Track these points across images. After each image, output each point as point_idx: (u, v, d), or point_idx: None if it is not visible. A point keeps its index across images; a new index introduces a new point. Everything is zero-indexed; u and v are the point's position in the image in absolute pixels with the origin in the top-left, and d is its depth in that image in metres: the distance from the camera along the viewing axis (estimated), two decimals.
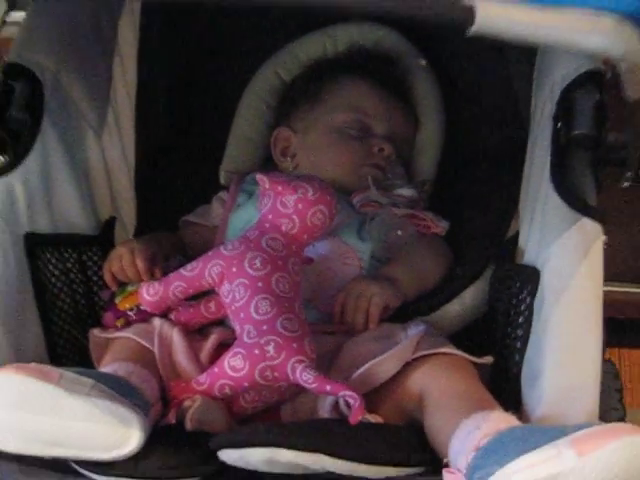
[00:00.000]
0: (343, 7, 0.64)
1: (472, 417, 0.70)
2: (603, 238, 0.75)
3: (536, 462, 0.63)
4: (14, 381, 0.72)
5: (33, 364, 0.75)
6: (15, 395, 0.72)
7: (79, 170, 0.95)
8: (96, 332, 0.90)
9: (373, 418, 0.76)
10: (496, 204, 0.93)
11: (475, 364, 0.81)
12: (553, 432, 0.65)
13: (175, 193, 1.08)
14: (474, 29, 0.47)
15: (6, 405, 0.72)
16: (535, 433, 0.66)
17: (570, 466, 0.62)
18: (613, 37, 0.51)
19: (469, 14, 0.51)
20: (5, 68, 0.90)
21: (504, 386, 0.78)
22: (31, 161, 0.89)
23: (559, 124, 0.79)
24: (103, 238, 0.97)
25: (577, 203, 0.76)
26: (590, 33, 0.51)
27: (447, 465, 0.70)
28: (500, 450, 0.65)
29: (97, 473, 0.73)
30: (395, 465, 0.71)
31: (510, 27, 0.51)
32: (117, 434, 0.71)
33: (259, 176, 0.86)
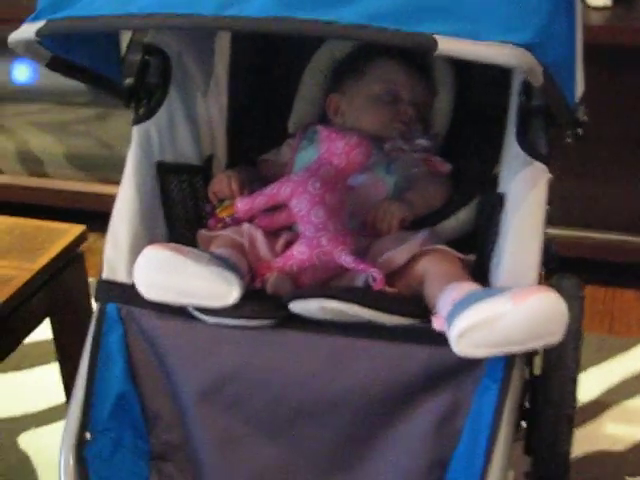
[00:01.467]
0: (333, 36, 0.93)
1: (452, 285, 1.02)
2: (548, 175, 1.07)
3: (486, 307, 0.94)
4: (160, 252, 1.04)
5: (172, 244, 1.08)
6: (160, 261, 1.04)
7: (192, 120, 1.27)
8: (203, 232, 1.21)
9: (390, 289, 1.10)
10: (486, 152, 1.22)
11: (461, 259, 1.13)
12: (500, 291, 0.97)
13: (255, 138, 1.37)
14: (436, 53, 0.78)
15: (154, 268, 1.04)
16: (489, 292, 0.99)
17: (508, 309, 0.94)
18: (514, 58, 0.81)
19: (432, 42, 0.78)
20: (145, 47, 1.21)
21: (480, 272, 1.10)
22: (161, 113, 1.21)
23: (522, 97, 1.08)
24: (206, 168, 1.29)
25: (531, 152, 1.07)
26: (500, 56, 0.81)
27: (434, 314, 1.03)
28: (466, 302, 0.97)
29: (209, 315, 1.05)
30: (402, 315, 1.03)
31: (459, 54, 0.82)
32: (224, 289, 1.02)
33: (320, 127, 1.18)
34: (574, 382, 1.33)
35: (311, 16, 0.81)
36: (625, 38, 2.10)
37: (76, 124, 2.66)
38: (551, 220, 2.09)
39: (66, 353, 1.61)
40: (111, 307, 1.10)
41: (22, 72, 2.64)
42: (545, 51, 0.86)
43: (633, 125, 2.16)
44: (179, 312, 1.07)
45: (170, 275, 1.03)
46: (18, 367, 2.06)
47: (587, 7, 2.20)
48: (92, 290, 1.18)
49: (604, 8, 2.19)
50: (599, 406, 1.89)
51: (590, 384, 1.94)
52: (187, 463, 1.10)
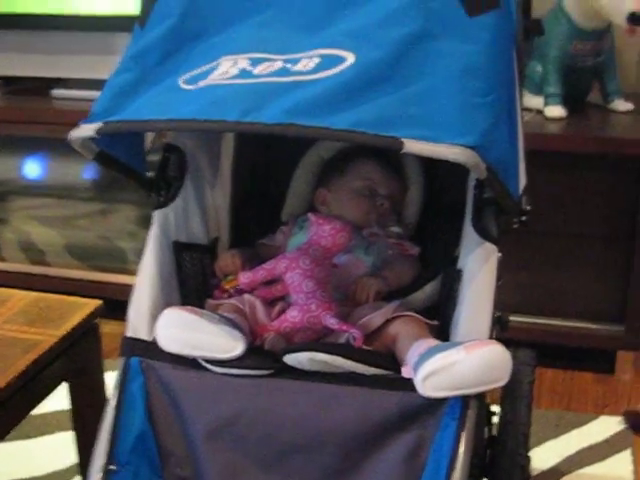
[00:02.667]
0: (327, 138, 1.12)
1: (418, 342, 1.22)
2: (498, 254, 1.26)
3: (444, 356, 1.14)
4: (177, 313, 1.23)
5: (188, 306, 1.27)
6: (178, 320, 1.22)
7: (202, 207, 1.45)
8: (210, 301, 1.39)
9: (367, 347, 1.29)
10: (448, 237, 1.39)
11: (427, 324, 1.31)
12: (457, 344, 1.17)
13: (254, 224, 1.55)
14: (403, 151, 0.99)
15: (172, 325, 1.22)
16: (448, 345, 1.18)
17: (462, 357, 1.13)
18: (462, 156, 1.02)
19: (400, 143, 1.00)
20: (165, 146, 1.42)
21: (442, 335, 1.28)
22: (178, 200, 1.40)
23: (477, 191, 1.27)
24: (213, 247, 1.47)
25: (483, 235, 1.25)
26: (451, 154, 1.01)
27: (404, 365, 1.22)
28: (428, 353, 1.16)
29: (217, 366, 1.22)
30: (377, 366, 1.21)
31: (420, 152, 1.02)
32: (231, 344, 1.21)
33: (310, 214, 1.37)
34: (526, 437, 1.54)
35: (310, 123, 1.04)
36: (578, 145, 2.33)
37: (77, 218, 2.85)
38: (516, 308, 2.34)
39: (80, 416, 1.76)
40: (134, 360, 1.27)
41: (32, 168, 2.87)
42: (488, 151, 1.06)
43: (586, 221, 2.40)
44: (191, 363, 1.24)
45: (186, 331, 1.22)
46: (26, 436, 2.21)
47: (545, 119, 2.47)
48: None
49: (560, 119, 2.45)
50: (556, 474, 2.08)
51: (548, 454, 2.14)
52: None
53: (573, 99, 2.50)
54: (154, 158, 1.44)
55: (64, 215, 2.88)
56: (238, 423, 1.22)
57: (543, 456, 2.14)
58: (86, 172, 2.83)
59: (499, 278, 1.29)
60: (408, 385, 1.18)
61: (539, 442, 2.18)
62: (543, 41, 2.46)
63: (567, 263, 2.45)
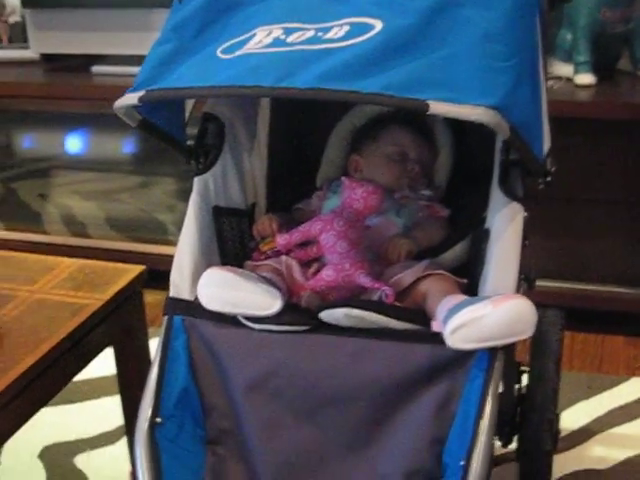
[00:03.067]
0: (356, 101, 1.17)
1: (447, 298, 1.27)
2: (524, 213, 1.31)
3: (472, 310, 1.19)
4: (218, 272, 1.30)
5: (228, 266, 1.34)
6: (219, 279, 1.29)
7: (240, 174, 1.51)
8: (249, 263, 1.44)
9: (400, 304, 1.36)
10: (477, 199, 1.43)
11: (456, 281, 1.37)
12: (483, 299, 1.22)
13: (290, 190, 1.61)
14: (428, 113, 1.04)
15: (213, 284, 1.29)
16: (475, 299, 1.23)
17: (489, 310, 1.18)
18: (484, 116, 1.07)
19: (426, 106, 1.05)
20: (204, 115, 1.48)
21: (472, 292, 1.33)
22: (217, 167, 1.45)
23: (503, 153, 1.33)
24: (250, 212, 1.53)
25: (510, 195, 1.30)
26: (474, 115, 1.07)
27: (434, 320, 1.28)
28: (456, 308, 1.21)
29: (256, 323, 1.29)
30: (408, 321, 1.27)
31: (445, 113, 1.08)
32: (269, 301, 1.26)
33: (344, 178, 1.42)
34: (555, 392, 1.59)
35: (341, 87, 1.10)
36: (606, 111, 2.36)
37: (118, 192, 2.93)
38: (547, 274, 2.38)
39: (125, 380, 1.83)
40: (177, 319, 1.34)
41: (74, 144, 2.95)
42: (510, 112, 1.12)
43: (616, 188, 2.44)
44: (232, 321, 1.31)
45: (226, 290, 1.29)
46: (70, 401, 2.30)
47: (575, 86, 2.50)
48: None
49: (589, 86, 2.48)
50: (587, 433, 2.12)
51: (579, 415, 2.19)
52: (237, 446, 1.30)
53: (603, 66, 2.53)
54: (193, 130, 1.49)
55: (105, 189, 2.96)
56: (276, 377, 1.28)
57: (574, 417, 2.19)
58: (126, 146, 2.90)
59: (526, 238, 1.34)
60: (438, 338, 1.23)
61: (570, 403, 2.24)
62: (572, 9, 2.48)
63: (598, 229, 2.49)
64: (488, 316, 1.20)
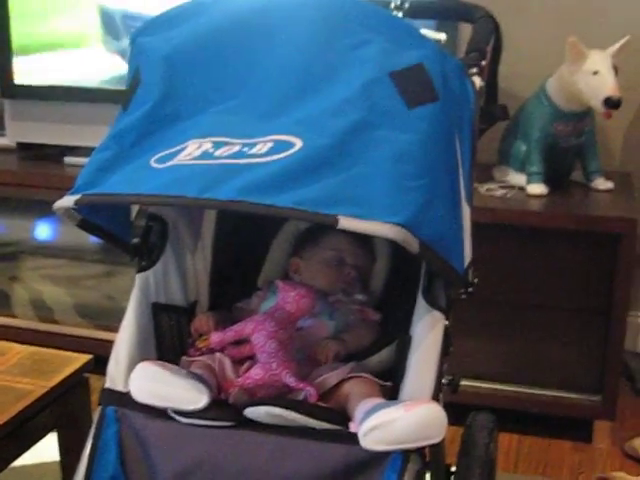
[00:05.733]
0: (271, 214, 1.16)
1: (365, 400, 1.33)
2: (445, 322, 1.38)
3: (385, 413, 1.25)
4: (148, 367, 1.36)
5: (159, 361, 1.39)
6: (149, 373, 1.35)
7: (181, 272, 1.56)
8: (184, 358, 1.49)
9: (322, 404, 1.41)
10: (407, 305, 1.46)
11: (379, 385, 1.42)
12: (397, 403, 1.29)
13: (232, 289, 1.66)
14: (338, 227, 1.11)
15: (144, 377, 1.34)
16: (390, 403, 1.29)
17: (400, 414, 1.24)
18: (392, 233, 1.15)
19: (335, 220, 1.12)
20: (149, 215, 1.53)
21: (394, 395, 1.38)
22: (158, 265, 1.52)
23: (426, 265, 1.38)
24: (191, 310, 1.59)
25: (432, 304, 1.37)
26: (381, 231, 1.15)
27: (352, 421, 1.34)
28: (372, 410, 1.27)
29: (184, 416, 1.33)
30: (327, 421, 1.32)
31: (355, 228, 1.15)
32: (195, 396, 1.32)
33: (277, 280, 1.50)
34: None
35: (259, 200, 1.18)
36: (555, 222, 2.46)
37: (85, 279, 3.00)
38: (497, 377, 2.46)
39: (68, 466, 1.86)
40: (109, 410, 1.39)
41: (43, 230, 3.02)
42: (419, 228, 1.19)
43: (565, 295, 2.52)
44: (161, 414, 1.36)
45: (156, 384, 1.35)
46: None
47: (527, 195, 2.60)
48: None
49: (541, 196, 2.58)
50: None
51: None
52: None
53: (556, 177, 2.64)
54: (140, 223, 1.56)
55: (73, 275, 3.03)
56: (201, 470, 1.33)
57: None
58: (94, 236, 2.96)
59: (449, 345, 1.42)
60: (355, 439, 1.29)
61: None
62: (527, 121, 2.60)
63: (547, 335, 2.56)
64: (399, 420, 1.26)
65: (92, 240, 2.97)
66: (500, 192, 2.59)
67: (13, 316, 3.10)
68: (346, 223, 1.16)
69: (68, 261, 3.05)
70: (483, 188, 2.60)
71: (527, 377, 2.61)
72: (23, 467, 2.31)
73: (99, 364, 1.82)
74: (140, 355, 1.46)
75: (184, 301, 1.59)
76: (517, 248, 2.52)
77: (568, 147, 2.62)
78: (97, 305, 3.01)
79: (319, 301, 1.53)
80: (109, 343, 1.49)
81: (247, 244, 1.75)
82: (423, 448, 1.32)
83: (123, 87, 1.50)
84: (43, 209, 3.00)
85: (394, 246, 1.65)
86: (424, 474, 1.39)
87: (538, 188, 2.57)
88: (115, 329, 1.51)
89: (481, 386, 2.60)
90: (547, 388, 2.60)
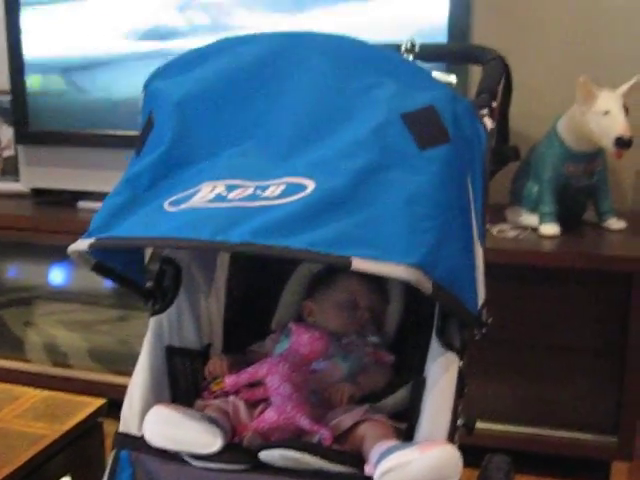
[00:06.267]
0: (285, 257, 1.21)
1: (380, 442, 1.32)
2: (459, 363, 1.38)
3: (400, 455, 1.25)
4: (162, 410, 1.36)
5: (173, 404, 1.41)
6: (162, 416, 1.35)
7: (195, 316, 1.57)
8: (199, 401, 1.50)
9: (337, 447, 1.42)
10: (421, 347, 1.47)
11: (394, 427, 1.41)
12: (413, 444, 1.29)
13: (246, 332, 1.67)
14: (351, 269, 1.11)
15: (157, 421, 1.35)
16: (406, 445, 1.29)
17: (416, 456, 1.24)
18: (405, 274, 1.15)
19: (348, 262, 1.12)
20: (162, 259, 1.56)
21: (409, 437, 1.38)
22: (172, 309, 1.52)
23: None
24: (205, 353, 1.60)
25: (446, 345, 1.37)
26: (395, 272, 1.16)
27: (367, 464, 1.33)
28: (387, 452, 1.26)
29: (197, 460, 1.33)
30: (342, 463, 1.32)
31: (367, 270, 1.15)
32: (209, 440, 1.32)
33: (291, 323, 1.49)
34: None
35: (272, 243, 1.18)
36: (568, 262, 2.44)
37: (99, 323, 3.00)
38: (512, 418, 2.44)
39: None
40: (124, 453, 1.39)
41: (57, 275, 3.03)
42: (433, 269, 1.19)
43: (579, 335, 2.50)
44: (175, 457, 1.36)
45: (169, 427, 1.35)
46: None
47: (539, 236, 2.60)
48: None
49: (554, 236, 2.57)
50: None
51: None
52: None
53: (569, 217, 2.63)
54: (154, 267, 1.57)
55: (87, 320, 3.03)
56: None
57: None
58: (108, 280, 2.97)
59: (463, 386, 1.41)
60: None
61: None
62: (539, 162, 2.60)
63: (562, 375, 2.54)
64: (415, 461, 1.25)
65: (106, 285, 2.99)
66: (512, 233, 2.59)
67: (27, 361, 3.10)
68: (359, 265, 1.16)
69: (82, 306, 3.05)
70: (495, 229, 2.60)
71: (542, 418, 2.59)
72: None
73: (113, 408, 1.83)
74: (154, 398, 1.46)
75: (198, 344, 1.60)
76: (530, 289, 2.52)
77: (580, 187, 2.62)
78: (111, 349, 3.01)
79: (333, 343, 1.53)
80: (123, 387, 1.49)
81: (260, 287, 1.75)
82: None
83: (136, 132, 1.51)
84: (57, 254, 3.01)
85: (407, 287, 1.67)
86: None
87: (551, 228, 2.56)
88: (129, 373, 1.51)
89: (496, 428, 2.58)
90: (563, 429, 2.57)
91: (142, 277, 1.53)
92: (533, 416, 2.59)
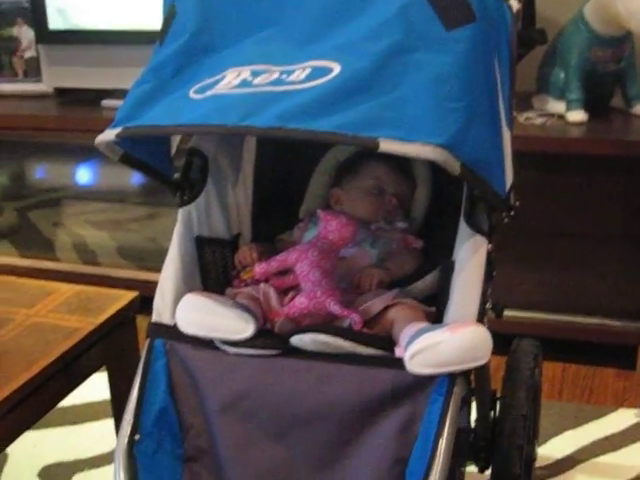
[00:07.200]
0: (312, 140, 1.19)
1: (410, 325, 1.35)
2: (488, 245, 1.38)
3: (430, 336, 1.26)
4: (195, 298, 1.38)
5: (205, 292, 1.43)
6: (195, 304, 1.37)
7: (223, 206, 1.58)
8: (229, 290, 1.52)
9: (369, 331, 1.41)
10: (450, 231, 1.46)
11: (423, 310, 1.44)
12: (442, 326, 1.30)
13: (274, 222, 1.68)
14: (379, 151, 1.11)
15: (190, 309, 1.37)
16: (435, 327, 1.30)
17: (446, 337, 1.25)
18: (432, 154, 1.12)
19: (376, 143, 1.12)
20: (189, 150, 1.55)
21: (438, 321, 1.39)
22: (200, 199, 1.53)
23: (468, 188, 1.38)
24: (234, 243, 1.61)
25: (474, 228, 1.37)
26: (423, 153, 1.13)
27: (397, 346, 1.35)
28: (417, 334, 1.28)
29: (231, 347, 1.36)
30: (373, 346, 1.33)
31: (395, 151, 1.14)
32: (242, 326, 1.34)
33: (319, 210, 1.49)
34: (525, 418, 1.64)
35: (298, 126, 1.18)
36: (595, 148, 2.43)
37: (128, 222, 3.03)
38: (542, 306, 2.45)
39: (118, 402, 1.90)
40: (158, 342, 1.41)
41: (85, 175, 3.04)
42: (461, 149, 1.18)
43: (607, 221, 2.50)
44: (209, 344, 1.38)
45: (203, 314, 1.36)
46: (73, 422, 2.39)
47: (566, 123, 2.57)
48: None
49: (581, 123, 2.55)
50: (571, 462, 2.17)
51: (566, 444, 2.24)
52: (212, 464, 1.36)
53: (596, 104, 2.60)
54: (179, 163, 1.57)
55: (115, 219, 3.05)
56: (249, 398, 1.35)
57: (560, 445, 2.25)
58: (135, 178, 2.99)
59: (492, 270, 1.42)
60: (401, 364, 1.30)
61: (558, 432, 2.29)
62: (565, 48, 2.56)
63: (589, 262, 2.55)
64: (445, 342, 1.27)
65: (134, 183, 3.00)
66: (539, 120, 2.56)
67: (57, 260, 3.13)
68: (387, 146, 1.15)
69: (110, 205, 3.08)
70: (522, 117, 2.58)
71: (571, 305, 2.61)
72: (73, 407, 2.38)
73: (143, 305, 1.85)
74: (185, 287, 1.47)
75: (227, 234, 1.61)
76: (557, 176, 2.50)
77: (607, 73, 2.58)
78: (140, 247, 3.04)
79: (361, 230, 1.54)
80: (153, 284, 1.50)
81: (287, 176, 1.76)
82: (469, 374, 1.34)
83: (158, 28, 1.49)
84: (83, 153, 3.03)
85: (435, 171, 1.69)
86: (470, 400, 1.40)
87: (578, 115, 2.53)
88: (158, 270, 1.52)
89: (524, 316, 2.60)
90: (591, 316, 2.59)
91: (169, 167, 1.52)
92: (561, 303, 2.61)
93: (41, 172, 3.16)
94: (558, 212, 2.53)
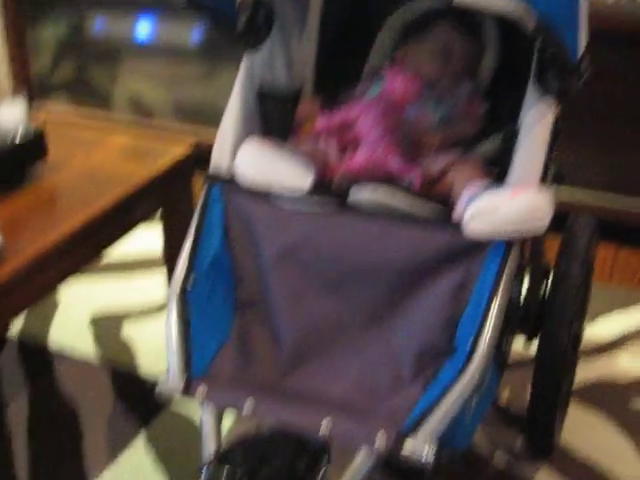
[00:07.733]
0: None
1: (470, 184, 1.33)
2: (556, 108, 1.35)
3: (490, 197, 1.25)
4: (257, 144, 1.40)
5: (267, 141, 1.41)
6: (255, 149, 1.39)
7: (287, 58, 1.56)
8: (289, 142, 1.51)
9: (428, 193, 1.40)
10: (517, 96, 1.43)
11: (485, 170, 1.42)
12: (503, 188, 1.30)
13: (338, 77, 1.61)
14: (454, 4, 1.12)
15: (251, 154, 1.38)
16: (498, 189, 1.30)
17: (506, 199, 1.25)
18: (509, 5, 1.10)
19: None
20: (254, 1, 1.48)
21: (500, 179, 1.37)
22: (264, 49, 1.51)
23: (540, 49, 1.33)
24: (297, 96, 1.59)
25: (544, 88, 1.33)
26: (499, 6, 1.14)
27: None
28: (476, 195, 1.27)
29: (287, 201, 1.36)
30: (433, 201, 1.33)
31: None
32: (302, 174, 1.35)
33: (386, 66, 1.51)
34: (577, 290, 1.63)
35: None
36: None
37: (184, 78, 2.99)
38: (601, 185, 2.38)
39: (171, 251, 1.90)
40: (215, 188, 1.41)
41: (144, 29, 3.01)
42: (536, 3, 1.15)
43: None
44: (265, 198, 1.38)
45: (262, 160, 1.38)
46: (123, 271, 2.43)
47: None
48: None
49: None
50: (618, 342, 2.17)
51: (612, 325, 2.24)
52: (264, 312, 1.38)
53: None
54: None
55: (173, 75, 3.02)
56: (304, 250, 1.36)
57: (607, 327, 2.24)
58: (194, 35, 2.95)
59: (558, 133, 1.38)
60: (457, 227, 1.29)
61: (605, 313, 2.28)
62: None
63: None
64: (504, 205, 1.26)
65: (192, 40, 2.96)
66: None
67: (113, 112, 3.13)
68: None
69: (168, 60, 3.04)
70: None
71: (628, 187, 2.55)
72: (135, 253, 2.39)
73: (198, 162, 1.84)
74: (246, 136, 1.47)
75: (289, 87, 1.58)
76: (629, 58, 2.43)
77: None
78: (197, 104, 3.02)
79: (425, 89, 1.51)
80: (208, 143, 1.48)
81: (353, 32, 1.71)
82: (524, 247, 1.33)
83: None
84: (144, 7, 2.98)
85: (504, 33, 1.63)
86: (523, 271, 1.38)
87: None
88: (215, 126, 1.49)
89: (582, 195, 2.55)
90: None
91: (234, 10, 1.48)
92: (620, 184, 2.56)
93: (100, 25, 3.12)
94: (627, 93, 2.46)
